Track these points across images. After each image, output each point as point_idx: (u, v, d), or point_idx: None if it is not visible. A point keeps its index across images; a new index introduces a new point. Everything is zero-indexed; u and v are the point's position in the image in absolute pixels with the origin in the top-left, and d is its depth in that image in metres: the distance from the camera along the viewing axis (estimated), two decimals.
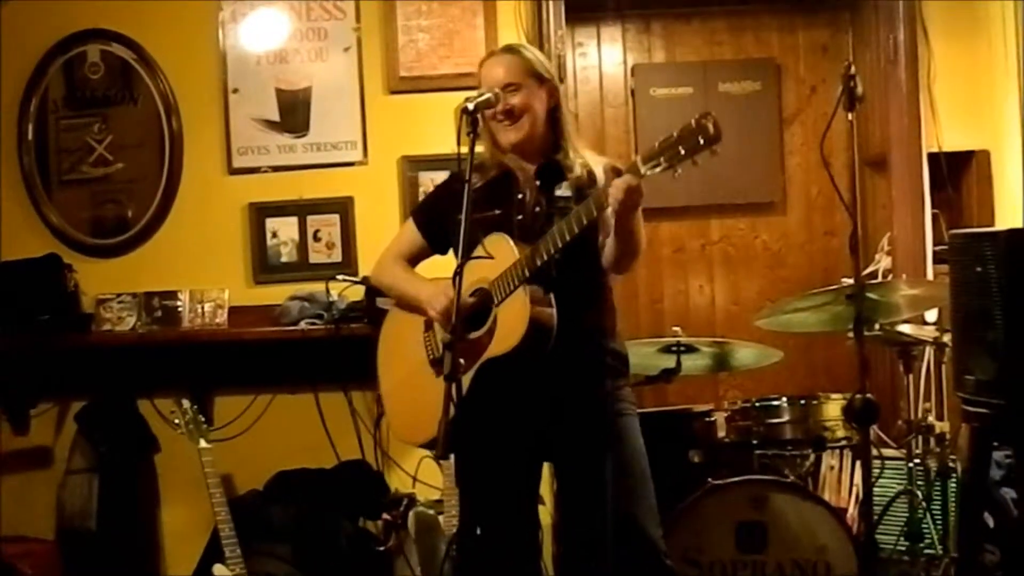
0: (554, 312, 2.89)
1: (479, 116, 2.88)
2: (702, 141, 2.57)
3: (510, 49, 3.18)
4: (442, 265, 3.20)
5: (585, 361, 3.00)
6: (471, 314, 2.93)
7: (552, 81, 3.10)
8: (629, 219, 2.84)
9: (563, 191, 3.00)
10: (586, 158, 3.08)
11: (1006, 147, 4.69)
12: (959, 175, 4.84)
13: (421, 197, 4.57)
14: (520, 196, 3.05)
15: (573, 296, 2.93)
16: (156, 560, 4.70)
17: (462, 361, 2.74)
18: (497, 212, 3.01)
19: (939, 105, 4.71)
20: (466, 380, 2.88)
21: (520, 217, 3.01)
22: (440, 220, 3.13)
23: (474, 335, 2.94)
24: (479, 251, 2.91)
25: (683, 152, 2.59)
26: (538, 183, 3.04)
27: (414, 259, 3.26)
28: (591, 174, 3.03)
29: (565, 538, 3.23)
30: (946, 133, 4.70)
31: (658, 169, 2.65)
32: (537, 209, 3.01)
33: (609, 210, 2.76)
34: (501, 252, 2.93)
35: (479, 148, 3.00)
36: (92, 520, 4.44)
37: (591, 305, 3.03)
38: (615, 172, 2.75)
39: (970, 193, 4.85)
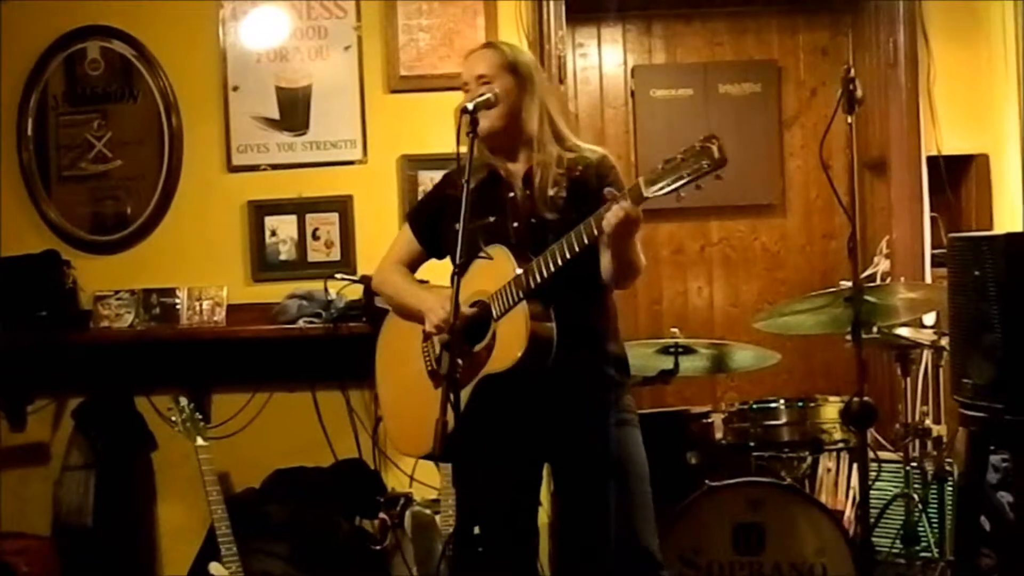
0: (554, 327, 2.87)
1: (478, 116, 2.87)
2: (707, 165, 2.56)
3: (488, 44, 3.20)
4: (443, 269, 3.17)
5: (586, 367, 2.99)
6: (470, 326, 2.91)
7: (533, 77, 3.05)
8: (624, 246, 2.81)
9: (555, 192, 2.97)
10: (580, 150, 3.05)
11: (1005, 151, 4.69)
12: (958, 179, 4.84)
13: (420, 196, 4.57)
14: (511, 196, 3.03)
15: (573, 301, 2.92)
16: (152, 557, 4.70)
17: (460, 362, 2.73)
18: (492, 220, 3.00)
19: (939, 108, 4.71)
20: (465, 394, 2.88)
21: (516, 224, 2.99)
22: (435, 226, 3.12)
23: (474, 349, 2.93)
24: (478, 264, 2.90)
25: (687, 176, 2.58)
26: (528, 192, 3.01)
27: (413, 264, 3.24)
28: (589, 166, 3.01)
29: (563, 543, 3.22)
30: (945, 137, 4.70)
31: (661, 193, 2.63)
32: (532, 220, 2.97)
33: (607, 237, 2.74)
34: (499, 265, 2.91)
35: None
36: (88, 517, 4.44)
37: (591, 310, 3.02)
38: (612, 199, 2.71)
39: (969, 197, 4.85)
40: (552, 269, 2.82)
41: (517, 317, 2.87)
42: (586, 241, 2.77)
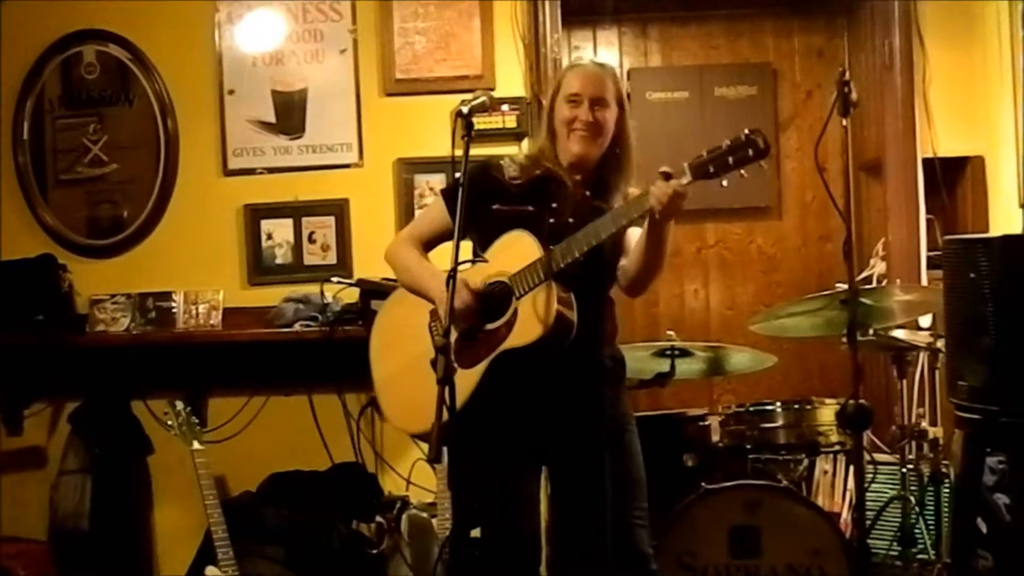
0: (575, 314, 2.91)
1: (473, 119, 2.88)
2: (752, 153, 2.66)
3: (604, 67, 3.17)
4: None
5: (588, 367, 3.00)
6: (487, 304, 2.92)
7: (626, 110, 3.12)
8: (664, 227, 2.84)
9: (600, 204, 3.01)
10: (631, 190, 3.08)
11: (1001, 153, 4.69)
12: (954, 181, 4.84)
13: (416, 201, 4.58)
14: (559, 201, 3.04)
15: (585, 302, 2.94)
16: (149, 561, 4.69)
17: (456, 365, 2.73)
18: (530, 209, 3.02)
19: (934, 110, 4.72)
20: (479, 370, 2.91)
21: (552, 221, 3.01)
22: (470, 205, 3.11)
23: (491, 326, 2.94)
24: (495, 248, 2.96)
25: (732, 162, 2.67)
26: (586, 193, 3.05)
27: (433, 240, 3.22)
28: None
29: (560, 547, 3.21)
30: (941, 139, 4.71)
31: (705, 177, 2.71)
32: (571, 220, 2.99)
33: (653, 208, 2.76)
34: (522, 248, 2.94)
35: (527, 147, 3.03)
36: (85, 521, 4.43)
37: (599, 313, 3.04)
38: (664, 176, 2.75)
39: (965, 199, 4.86)
40: (580, 253, 2.85)
41: (543, 295, 2.89)
42: (624, 222, 2.82)
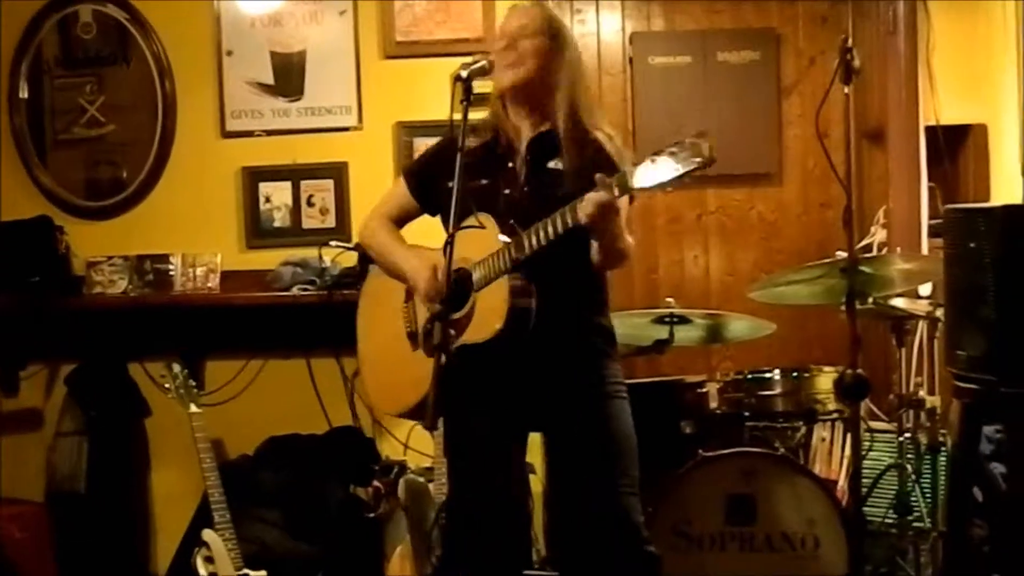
0: (533, 303, 2.85)
1: (473, 84, 2.84)
2: (696, 163, 2.53)
3: (536, 3, 3.12)
4: (428, 231, 3.16)
5: (570, 339, 2.97)
6: (450, 293, 2.87)
7: (569, 46, 3.02)
8: (604, 233, 2.77)
9: (555, 164, 2.95)
10: (599, 135, 3.00)
11: (1004, 121, 4.66)
12: (956, 149, 4.82)
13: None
14: (510, 165, 3.01)
15: (561, 274, 2.89)
16: (146, 523, 4.71)
17: (452, 332, 2.72)
18: (484, 183, 2.97)
19: (938, 78, 4.68)
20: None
21: (508, 192, 2.97)
22: (432, 183, 3.08)
23: (455, 316, 2.89)
24: (471, 221, 2.89)
25: (676, 172, 2.55)
26: (528, 157, 3.00)
27: (403, 219, 3.21)
28: (600, 150, 2.96)
29: (554, 514, 3.22)
30: (944, 106, 4.67)
31: (650, 186, 2.60)
32: (526, 188, 2.96)
33: (585, 223, 2.70)
34: (486, 234, 2.89)
35: (482, 113, 2.99)
36: (82, 483, 4.45)
37: (577, 284, 2.98)
38: (600, 183, 2.67)
39: (967, 167, 4.83)
40: (536, 247, 2.79)
41: (497, 290, 2.86)
42: (563, 227, 2.74)
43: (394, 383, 3.08)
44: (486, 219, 2.91)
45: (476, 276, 2.91)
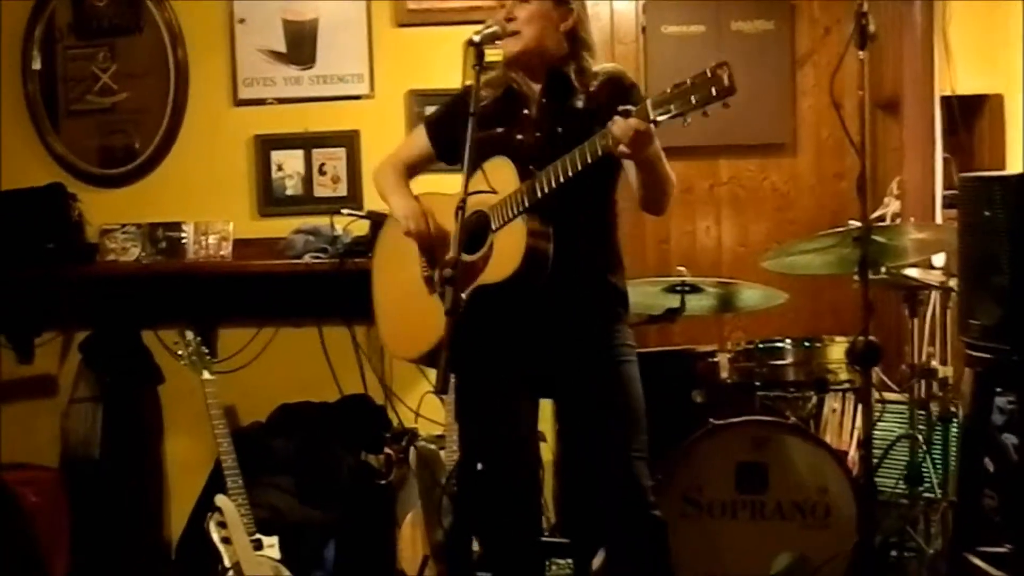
0: (551, 246, 2.86)
1: (485, 49, 2.84)
2: (715, 92, 2.53)
3: None
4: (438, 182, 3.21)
5: (583, 296, 2.97)
6: (468, 234, 2.89)
7: (569, 3, 3.03)
8: (643, 161, 2.79)
9: (572, 102, 2.96)
10: (611, 67, 3.04)
11: (1019, 91, 4.63)
12: (972, 119, 4.79)
13: None
14: (525, 112, 3.02)
15: (575, 229, 2.90)
16: (159, 489, 4.74)
17: (464, 296, 2.72)
18: (499, 131, 2.99)
19: (953, 47, 4.65)
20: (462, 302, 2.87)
21: (520, 137, 2.98)
22: (451, 132, 3.06)
23: (469, 258, 2.91)
24: (479, 177, 2.89)
25: (694, 101, 2.55)
26: (544, 100, 3.01)
27: (417, 166, 3.26)
28: (616, 83, 2.99)
29: (566, 480, 3.23)
30: (960, 76, 4.64)
31: (667, 116, 2.60)
32: (538, 133, 2.97)
33: (621, 150, 2.70)
34: (503, 177, 2.90)
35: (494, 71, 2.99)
36: (96, 449, 4.47)
37: (593, 239, 3.00)
38: (624, 114, 2.68)
39: (982, 138, 4.81)
40: (555, 184, 2.79)
41: (516, 231, 2.86)
42: (589, 160, 2.74)
43: (409, 328, 3.09)
44: (503, 162, 2.92)
45: (494, 218, 2.91)
